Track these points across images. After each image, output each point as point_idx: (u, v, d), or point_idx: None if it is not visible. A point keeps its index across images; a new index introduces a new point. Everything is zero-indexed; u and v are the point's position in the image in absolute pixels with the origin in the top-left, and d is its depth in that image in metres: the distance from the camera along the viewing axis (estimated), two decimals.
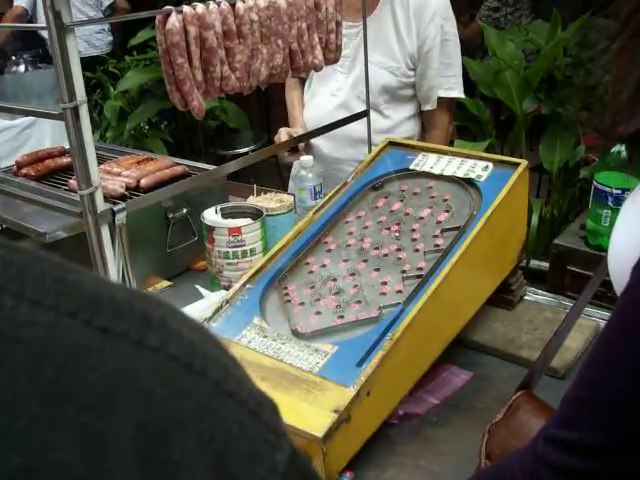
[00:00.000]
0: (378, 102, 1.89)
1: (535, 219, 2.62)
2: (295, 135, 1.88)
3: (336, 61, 1.44)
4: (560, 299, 1.39)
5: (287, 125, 2.04)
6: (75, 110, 1.04)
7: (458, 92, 1.96)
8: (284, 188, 2.25)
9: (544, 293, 1.41)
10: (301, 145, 1.93)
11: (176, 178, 1.55)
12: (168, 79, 1.15)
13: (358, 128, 1.71)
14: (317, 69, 1.39)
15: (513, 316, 1.31)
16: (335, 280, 1.16)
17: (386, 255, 1.18)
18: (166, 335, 0.28)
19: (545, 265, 2.37)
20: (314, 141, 1.97)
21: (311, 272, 1.19)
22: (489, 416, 1.05)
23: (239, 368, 0.31)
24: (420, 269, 1.13)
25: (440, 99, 1.92)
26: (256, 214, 1.47)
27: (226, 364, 0.30)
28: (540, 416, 0.80)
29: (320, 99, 1.98)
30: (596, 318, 1.28)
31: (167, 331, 0.28)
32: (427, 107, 1.93)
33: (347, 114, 1.70)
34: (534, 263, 2.54)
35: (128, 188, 1.47)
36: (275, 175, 3.71)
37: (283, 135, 1.91)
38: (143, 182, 1.50)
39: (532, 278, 1.46)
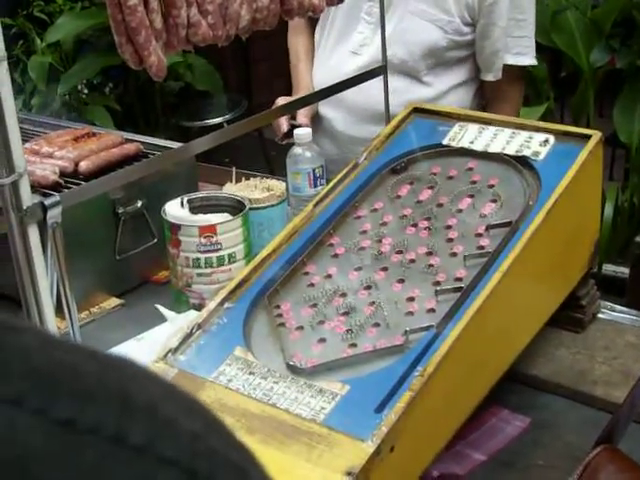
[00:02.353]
0: (419, 67, 1.86)
1: (609, 210, 2.63)
2: None
3: (342, 1, 1.44)
4: None
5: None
6: None
7: (530, 58, 1.93)
8: (272, 172, 2.25)
9: (624, 309, 1.42)
10: (304, 119, 1.89)
11: (127, 160, 1.55)
12: (117, 27, 1.15)
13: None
14: (316, 11, 1.39)
15: (584, 341, 1.31)
16: (344, 296, 1.15)
17: (412, 261, 1.18)
18: (157, 427, 0.26)
19: (623, 271, 2.37)
20: (325, 113, 1.95)
21: (312, 285, 1.19)
22: (553, 477, 1.05)
23: (256, 467, 0.29)
24: (459, 280, 1.12)
25: (507, 67, 1.90)
26: (236, 207, 1.47)
27: (242, 464, 0.28)
28: (627, 479, 0.80)
29: (335, 57, 1.94)
30: None
31: (158, 420, 0.26)
32: (488, 77, 1.91)
33: (372, 82, 1.64)
34: (609, 268, 2.54)
35: (63, 174, 1.47)
36: (259, 154, 3.71)
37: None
38: (83, 166, 1.50)
39: (606, 288, 1.46)
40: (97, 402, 0.25)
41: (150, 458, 0.25)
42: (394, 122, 1.40)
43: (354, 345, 1.07)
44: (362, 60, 1.87)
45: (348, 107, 1.83)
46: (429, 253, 1.18)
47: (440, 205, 1.25)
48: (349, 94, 1.70)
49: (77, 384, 0.25)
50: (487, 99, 1.98)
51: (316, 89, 1.96)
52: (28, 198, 1.10)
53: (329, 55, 1.97)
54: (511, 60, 1.89)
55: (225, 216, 1.42)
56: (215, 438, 0.28)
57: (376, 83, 1.64)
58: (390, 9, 1.80)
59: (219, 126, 3.64)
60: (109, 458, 0.24)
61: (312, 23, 2.03)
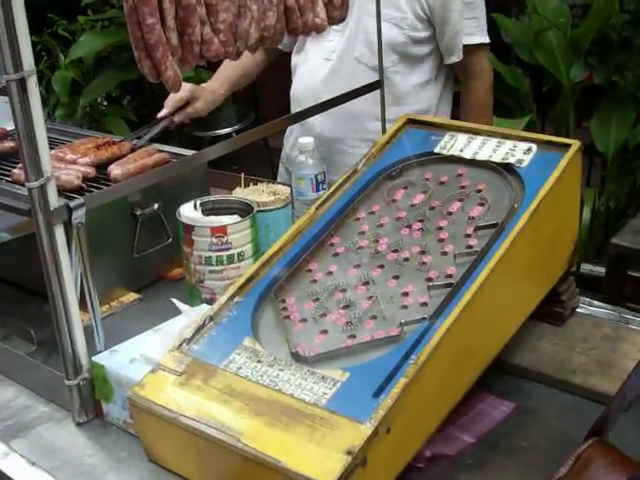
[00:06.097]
0: (385, 64, 1.87)
1: (587, 213, 2.63)
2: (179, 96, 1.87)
3: (342, 20, 1.44)
4: (620, 311, 1.39)
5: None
6: (22, 83, 1.04)
7: (480, 37, 1.97)
8: (276, 177, 2.25)
9: (601, 304, 1.42)
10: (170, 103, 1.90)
11: (145, 167, 1.55)
12: (136, 44, 1.15)
13: (358, 98, 1.68)
14: (319, 30, 1.39)
15: (564, 333, 1.31)
16: (344, 291, 1.16)
17: (407, 259, 1.18)
18: None
19: (599, 270, 2.37)
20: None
21: (314, 281, 1.19)
22: (535, 458, 1.05)
23: None
24: (449, 276, 1.13)
25: (468, 48, 1.94)
26: (245, 210, 1.47)
27: None
28: (619, 472, 0.78)
29: (312, 64, 1.99)
30: None
31: None
32: (453, 59, 1.94)
33: (342, 82, 1.68)
34: (586, 267, 2.54)
35: (86, 179, 1.47)
36: (265, 161, 3.71)
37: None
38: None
39: (584, 286, 1.46)
40: None
41: None
42: (389, 132, 1.41)
43: (353, 336, 1.08)
44: (331, 64, 1.93)
45: (327, 110, 1.83)
46: (422, 252, 1.18)
47: (432, 208, 1.25)
48: (326, 97, 1.68)
49: None
50: (461, 81, 2.03)
51: (295, 94, 2.02)
52: (55, 200, 1.11)
53: (306, 61, 2.01)
54: (464, 40, 1.94)
55: (235, 218, 1.42)
56: None
57: (350, 84, 1.66)
58: (351, 14, 1.82)
59: (228, 136, 3.64)
60: None
61: None
